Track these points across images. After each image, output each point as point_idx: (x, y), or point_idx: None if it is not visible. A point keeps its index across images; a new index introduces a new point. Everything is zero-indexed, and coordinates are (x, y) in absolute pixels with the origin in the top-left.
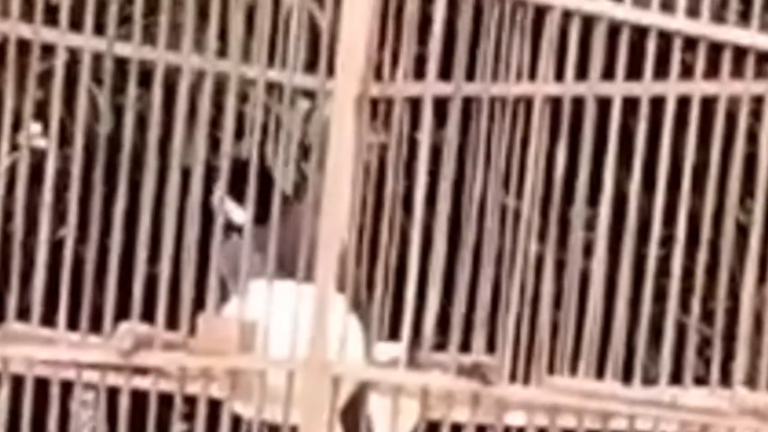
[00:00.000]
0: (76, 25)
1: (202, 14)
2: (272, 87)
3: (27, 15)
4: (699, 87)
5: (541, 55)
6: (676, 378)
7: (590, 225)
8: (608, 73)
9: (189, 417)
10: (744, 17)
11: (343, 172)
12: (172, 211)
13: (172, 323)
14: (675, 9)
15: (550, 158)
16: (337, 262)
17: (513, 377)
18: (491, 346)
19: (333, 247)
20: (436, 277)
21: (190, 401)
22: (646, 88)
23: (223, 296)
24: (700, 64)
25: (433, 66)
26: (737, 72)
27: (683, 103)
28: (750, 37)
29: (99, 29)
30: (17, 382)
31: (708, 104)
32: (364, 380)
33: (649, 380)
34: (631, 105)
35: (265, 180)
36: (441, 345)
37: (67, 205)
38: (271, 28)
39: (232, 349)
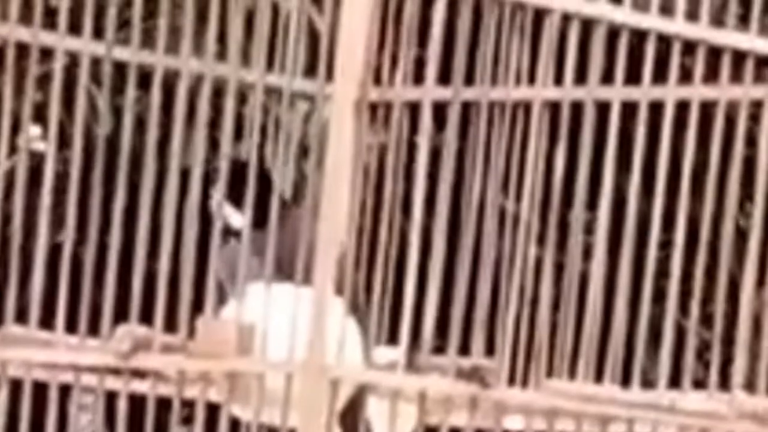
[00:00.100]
0: (75, 28)
1: (201, 18)
2: (271, 91)
3: (26, 18)
4: (698, 91)
5: (540, 58)
6: (674, 381)
7: (589, 228)
8: (607, 77)
9: (187, 420)
10: (743, 20)
11: (342, 175)
12: (170, 213)
13: (170, 326)
14: (674, 12)
15: (550, 162)
16: (336, 265)
17: (511, 380)
18: (490, 349)
19: (331, 250)
20: (435, 280)
21: (189, 404)
22: (645, 92)
23: (222, 299)
24: (699, 68)
25: (432, 70)
26: (736, 75)
27: (682, 107)
28: (749, 41)
29: (98, 33)
30: (15, 385)
31: (707, 108)
32: (362, 383)
33: (648, 384)
34: (630, 109)
35: (264, 184)
36: (440, 348)
37: (65, 207)
38: (270, 32)
39: (231, 352)
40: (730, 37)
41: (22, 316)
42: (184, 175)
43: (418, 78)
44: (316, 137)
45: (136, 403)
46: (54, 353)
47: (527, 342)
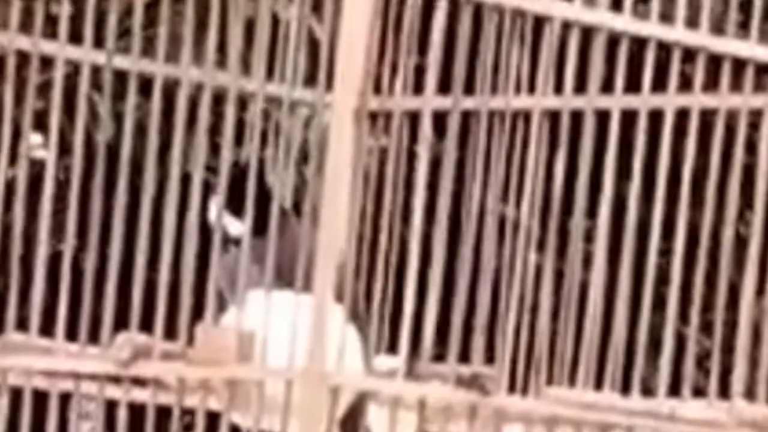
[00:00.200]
0: (75, 37)
1: (202, 26)
2: (271, 100)
3: (26, 27)
4: (698, 100)
5: (540, 66)
6: (674, 389)
7: (589, 236)
8: (607, 85)
9: (188, 428)
10: (744, 28)
11: (341, 183)
12: (171, 221)
13: (170, 333)
14: (674, 20)
15: (549, 170)
16: (336, 273)
17: (511, 388)
18: (490, 357)
19: (331, 258)
20: (435, 288)
21: (189, 412)
22: (644, 100)
23: (222, 306)
24: (699, 76)
25: (431, 79)
26: (736, 83)
27: (682, 115)
28: (749, 48)
29: (98, 42)
30: (16, 393)
31: (707, 116)
32: (362, 390)
33: (648, 391)
34: (629, 117)
35: (263, 192)
36: (440, 355)
37: (66, 215)
38: (270, 41)
39: (231, 359)
40: (731, 45)
41: (22, 324)
42: (185, 182)
43: (418, 87)
44: (316, 144)
45: (137, 411)
46: (54, 361)
47: (527, 350)
